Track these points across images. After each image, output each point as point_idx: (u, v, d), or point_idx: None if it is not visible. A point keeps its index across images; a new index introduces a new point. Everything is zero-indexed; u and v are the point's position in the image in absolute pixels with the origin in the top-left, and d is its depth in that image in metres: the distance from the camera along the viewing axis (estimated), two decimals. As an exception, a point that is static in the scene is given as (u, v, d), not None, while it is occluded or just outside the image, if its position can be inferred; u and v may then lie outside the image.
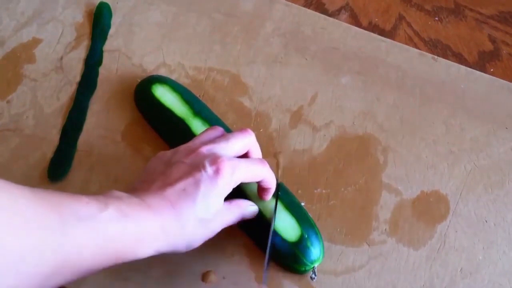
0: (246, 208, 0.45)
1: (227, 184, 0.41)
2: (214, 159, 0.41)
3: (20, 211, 0.32)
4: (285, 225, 0.46)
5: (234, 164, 0.41)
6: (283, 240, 0.45)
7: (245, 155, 0.45)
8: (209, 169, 0.40)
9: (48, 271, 0.33)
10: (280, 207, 0.47)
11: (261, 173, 0.44)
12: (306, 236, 0.45)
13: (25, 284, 0.32)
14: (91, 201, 0.37)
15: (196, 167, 0.41)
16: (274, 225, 0.47)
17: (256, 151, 0.46)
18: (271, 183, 0.45)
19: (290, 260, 0.46)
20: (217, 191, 0.41)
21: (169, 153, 0.44)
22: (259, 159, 0.45)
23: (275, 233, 0.46)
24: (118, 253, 0.37)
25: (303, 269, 0.46)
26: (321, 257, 0.46)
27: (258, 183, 0.45)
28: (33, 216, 0.33)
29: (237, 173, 0.41)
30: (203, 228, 0.41)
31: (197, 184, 0.40)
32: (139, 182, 0.43)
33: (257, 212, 0.46)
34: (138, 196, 0.40)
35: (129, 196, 0.39)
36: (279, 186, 0.47)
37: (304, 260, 0.45)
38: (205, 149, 0.42)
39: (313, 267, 0.46)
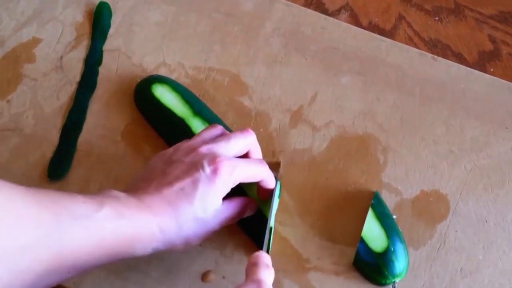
0: (246, 206, 0.45)
1: (226, 184, 0.41)
2: (213, 159, 0.41)
3: (14, 209, 0.33)
4: (373, 235, 0.45)
5: (233, 164, 0.41)
6: (368, 249, 0.45)
7: (246, 155, 0.45)
8: (208, 169, 0.40)
9: (42, 269, 0.33)
10: (371, 216, 0.46)
11: (260, 173, 0.44)
12: (393, 249, 0.45)
13: (19, 281, 0.32)
14: (87, 201, 0.37)
15: (195, 166, 0.41)
16: (272, 222, 0.47)
17: (256, 152, 0.46)
18: (270, 183, 0.45)
19: (371, 270, 0.45)
20: (215, 191, 0.40)
21: (170, 150, 0.44)
22: (258, 159, 0.45)
23: (361, 240, 0.45)
24: (114, 252, 0.37)
25: (384, 281, 0.45)
26: (404, 273, 0.45)
27: (257, 183, 0.45)
28: (27, 215, 0.33)
29: (236, 173, 0.41)
30: (201, 227, 0.41)
31: (195, 184, 0.40)
32: (139, 180, 0.43)
33: (255, 210, 0.46)
34: (136, 196, 0.40)
35: (127, 195, 0.39)
36: (277, 185, 0.47)
37: (386, 273, 0.44)
38: (205, 149, 0.42)
39: (394, 282, 0.45)
